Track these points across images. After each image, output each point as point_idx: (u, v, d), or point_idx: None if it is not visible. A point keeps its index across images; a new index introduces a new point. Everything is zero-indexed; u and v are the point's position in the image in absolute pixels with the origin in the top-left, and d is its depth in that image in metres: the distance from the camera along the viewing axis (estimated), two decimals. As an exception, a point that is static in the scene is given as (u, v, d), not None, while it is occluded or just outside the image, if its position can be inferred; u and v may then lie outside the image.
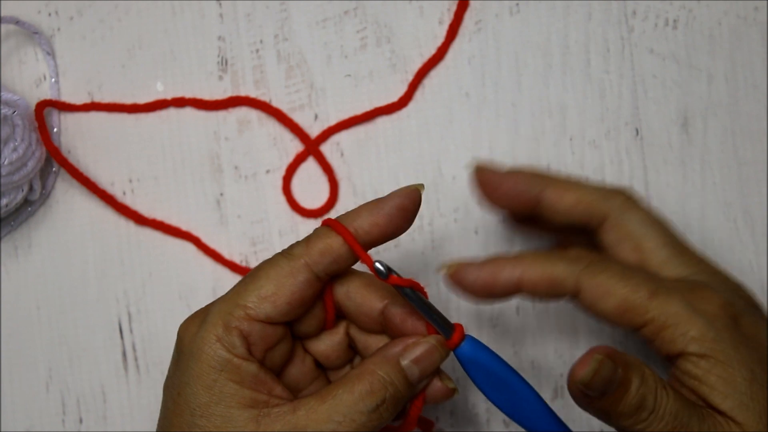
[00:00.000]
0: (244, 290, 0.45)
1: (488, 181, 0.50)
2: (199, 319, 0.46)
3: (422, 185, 0.47)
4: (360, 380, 0.44)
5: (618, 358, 0.43)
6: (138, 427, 0.57)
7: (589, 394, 0.43)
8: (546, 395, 0.56)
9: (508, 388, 0.47)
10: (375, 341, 0.48)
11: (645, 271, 0.47)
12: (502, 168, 0.50)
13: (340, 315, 0.48)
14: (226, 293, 0.46)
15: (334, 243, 0.45)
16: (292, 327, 0.47)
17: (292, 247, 0.46)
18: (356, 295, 0.47)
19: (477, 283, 0.47)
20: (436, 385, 0.47)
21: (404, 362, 0.45)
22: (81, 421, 0.57)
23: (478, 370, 0.46)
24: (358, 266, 0.47)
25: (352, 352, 0.50)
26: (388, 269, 0.45)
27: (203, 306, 0.47)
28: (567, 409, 0.55)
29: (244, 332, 0.44)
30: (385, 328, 0.47)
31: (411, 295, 0.45)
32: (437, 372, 0.46)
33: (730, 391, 0.43)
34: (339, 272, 0.46)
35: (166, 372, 0.56)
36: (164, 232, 0.57)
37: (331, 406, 0.43)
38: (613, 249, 0.49)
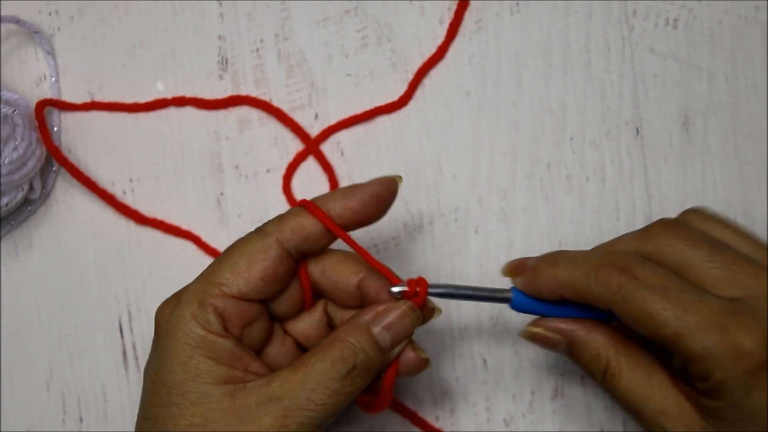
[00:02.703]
0: (218, 268, 0.46)
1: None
2: (174, 300, 0.47)
3: (400, 177, 0.48)
4: (331, 348, 0.45)
5: (567, 331, 0.46)
6: (138, 426, 0.57)
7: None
8: (546, 394, 0.56)
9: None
10: (347, 319, 0.48)
11: (678, 294, 0.44)
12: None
13: (318, 294, 0.49)
14: (201, 273, 0.47)
15: (306, 222, 0.46)
16: (271, 308, 0.48)
17: (265, 224, 0.47)
18: (332, 272, 0.48)
19: (528, 292, 0.47)
20: (409, 355, 0.47)
21: (375, 329, 0.46)
22: (81, 420, 0.57)
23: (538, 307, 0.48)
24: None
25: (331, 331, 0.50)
26: (401, 292, 0.47)
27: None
28: (567, 408, 0.55)
29: (219, 309, 0.45)
30: (362, 301, 0.48)
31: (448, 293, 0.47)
32: (410, 339, 0.47)
33: (755, 417, 0.42)
34: (312, 251, 0.47)
35: (166, 371, 0.57)
36: (165, 231, 0.57)
37: (304, 374, 0.44)
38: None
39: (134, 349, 0.57)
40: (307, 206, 0.47)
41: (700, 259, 0.45)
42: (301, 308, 0.49)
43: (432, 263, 0.56)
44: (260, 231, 0.47)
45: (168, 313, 0.46)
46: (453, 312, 0.56)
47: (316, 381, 0.44)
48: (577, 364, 0.48)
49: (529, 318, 0.48)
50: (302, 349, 0.50)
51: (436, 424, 0.56)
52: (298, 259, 0.47)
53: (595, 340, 0.46)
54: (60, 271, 0.58)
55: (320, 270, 0.48)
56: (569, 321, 0.47)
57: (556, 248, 0.56)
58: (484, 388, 0.56)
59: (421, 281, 0.47)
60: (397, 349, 0.46)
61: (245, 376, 0.45)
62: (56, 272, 0.58)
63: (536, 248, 0.56)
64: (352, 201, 0.47)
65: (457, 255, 0.56)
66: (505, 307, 0.56)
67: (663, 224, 0.47)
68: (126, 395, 0.57)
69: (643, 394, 0.45)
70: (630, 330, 0.46)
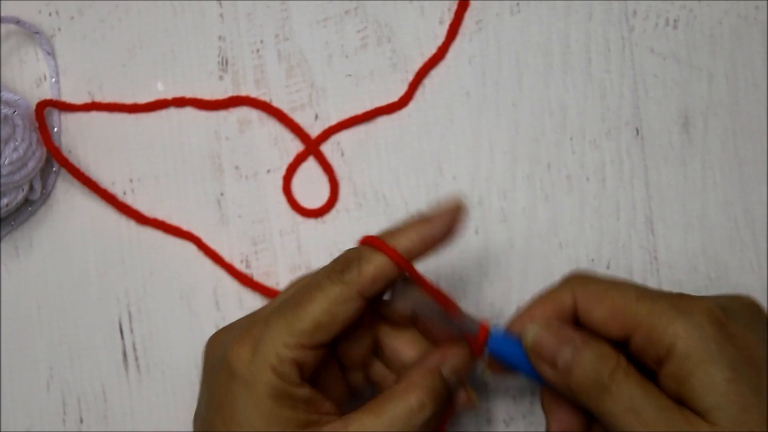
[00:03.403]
0: (296, 320, 0.45)
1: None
2: (250, 344, 0.45)
3: (464, 202, 0.47)
4: (410, 393, 0.45)
5: (568, 332, 0.45)
6: (139, 426, 0.57)
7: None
8: (546, 395, 0.56)
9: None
10: (403, 345, 0.49)
11: (635, 283, 0.47)
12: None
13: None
14: (275, 314, 0.46)
15: (387, 267, 0.45)
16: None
17: (342, 272, 0.45)
18: (393, 346, 0.49)
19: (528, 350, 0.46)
20: (462, 395, 0.48)
21: (445, 371, 0.46)
22: (81, 420, 0.57)
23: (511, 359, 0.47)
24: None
25: (372, 356, 0.50)
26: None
27: (238, 320, 0.48)
28: (567, 408, 0.56)
29: (299, 362, 0.45)
30: (412, 321, 0.48)
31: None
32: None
33: (708, 391, 0.42)
34: (386, 291, 0.47)
35: (167, 371, 0.57)
36: (165, 231, 0.57)
37: (386, 421, 0.44)
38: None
39: (134, 349, 0.57)
40: (385, 251, 0.45)
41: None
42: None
43: (432, 264, 0.56)
44: (339, 281, 0.45)
45: (245, 360, 0.45)
46: (453, 312, 0.56)
47: (398, 427, 0.44)
48: (573, 375, 0.45)
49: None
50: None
51: (437, 425, 0.56)
52: (374, 299, 0.47)
53: (603, 342, 0.45)
54: (60, 271, 0.58)
55: (387, 337, 0.49)
56: (569, 327, 0.46)
57: (557, 249, 0.56)
58: (484, 388, 0.56)
59: (482, 326, 0.47)
60: (456, 390, 0.47)
61: (321, 418, 0.45)
62: (56, 272, 0.58)
63: (536, 248, 0.56)
64: (427, 238, 0.46)
65: (457, 255, 0.56)
66: (504, 308, 0.56)
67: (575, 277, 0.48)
68: (126, 395, 0.57)
69: (652, 394, 0.44)
70: None
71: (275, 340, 0.45)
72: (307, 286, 0.46)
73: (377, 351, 0.50)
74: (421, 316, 0.48)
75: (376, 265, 0.45)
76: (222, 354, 0.46)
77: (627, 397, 0.43)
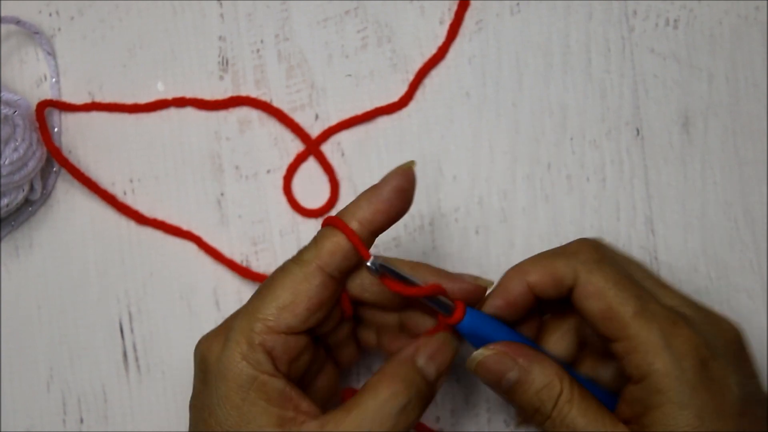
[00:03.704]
0: (262, 303, 0.45)
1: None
2: (221, 338, 0.45)
3: (413, 162, 0.47)
4: (381, 385, 0.44)
5: (523, 355, 0.45)
6: (139, 426, 0.57)
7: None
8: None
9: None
10: (393, 356, 0.48)
11: (642, 284, 0.46)
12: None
13: (357, 304, 0.49)
14: (244, 307, 0.46)
15: (341, 240, 0.45)
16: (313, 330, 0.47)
17: (301, 252, 0.46)
18: (373, 286, 0.47)
19: (499, 308, 0.47)
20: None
21: (420, 362, 0.45)
22: (82, 420, 0.57)
23: (479, 339, 0.47)
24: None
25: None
26: (382, 270, 0.45)
27: (221, 323, 0.47)
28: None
29: (268, 347, 0.44)
30: (400, 304, 0.48)
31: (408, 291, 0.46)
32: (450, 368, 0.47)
33: (667, 430, 0.42)
34: (352, 267, 0.46)
35: (167, 371, 0.57)
36: (165, 231, 0.57)
37: (357, 414, 0.43)
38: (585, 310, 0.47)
39: (134, 349, 0.57)
40: (336, 224, 0.46)
41: (636, 272, 0.47)
42: (339, 322, 0.49)
43: (432, 263, 0.56)
44: (298, 260, 0.46)
45: (217, 352, 0.45)
46: (453, 312, 0.56)
47: (371, 420, 0.43)
48: (517, 398, 0.46)
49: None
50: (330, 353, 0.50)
51: (437, 425, 0.56)
52: (342, 279, 0.46)
53: (551, 366, 0.45)
54: (60, 271, 0.58)
55: (359, 285, 0.47)
56: (525, 347, 0.46)
57: (557, 249, 0.56)
58: (485, 389, 0.56)
59: (458, 305, 0.46)
60: (442, 379, 0.46)
61: (296, 416, 0.44)
62: (57, 273, 0.58)
63: (536, 248, 0.56)
64: (378, 203, 0.46)
65: (457, 255, 0.56)
66: (505, 308, 0.56)
67: (586, 244, 0.48)
68: (126, 395, 0.57)
69: (596, 422, 0.44)
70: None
71: (243, 328, 0.45)
72: (274, 272, 0.46)
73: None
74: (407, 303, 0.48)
75: (333, 240, 0.45)
76: (199, 357, 0.46)
77: (569, 426, 0.44)
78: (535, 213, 0.57)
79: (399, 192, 0.46)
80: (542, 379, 0.45)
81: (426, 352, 0.46)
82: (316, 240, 0.46)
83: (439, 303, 0.46)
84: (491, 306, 0.47)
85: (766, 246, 0.56)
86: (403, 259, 0.48)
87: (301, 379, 0.47)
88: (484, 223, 0.57)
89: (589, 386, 0.47)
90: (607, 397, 0.47)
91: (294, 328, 0.45)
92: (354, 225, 0.45)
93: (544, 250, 0.48)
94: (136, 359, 0.57)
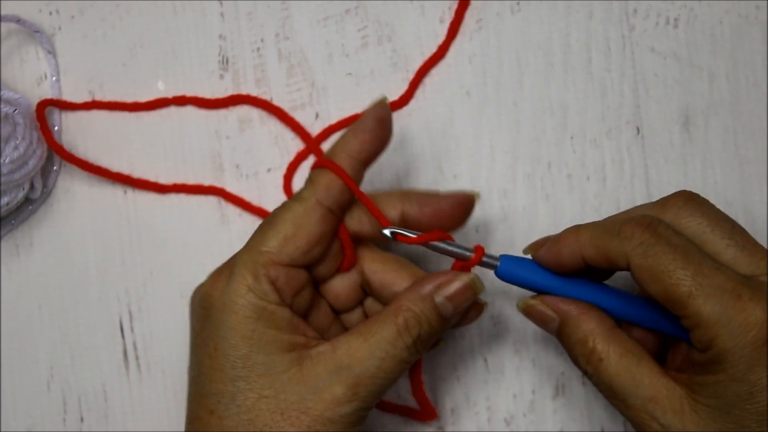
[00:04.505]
0: (264, 237, 0.47)
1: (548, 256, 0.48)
2: (225, 274, 0.47)
3: (386, 97, 0.49)
4: (396, 316, 0.46)
5: (558, 310, 0.47)
6: (139, 426, 0.57)
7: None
8: (547, 393, 0.56)
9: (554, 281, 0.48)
10: (391, 277, 0.49)
11: (697, 257, 0.44)
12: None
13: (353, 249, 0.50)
14: (246, 244, 0.47)
15: (335, 176, 0.47)
16: (313, 273, 0.48)
17: (299, 192, 0.48)
18: (369, 218, 0.49)
19: (549, 259, 0.47)
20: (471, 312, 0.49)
21: (438, 299, 0.46)
22: (82, 420, 0.57)
23: (523, 280, 0.48)
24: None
25: (363, 294, 0.51)
26: (394, 233, 0.47)
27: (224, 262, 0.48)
28: (568, 408, 0.56)
29: (272, 278, 0.46)
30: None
31: (433, 246, 0.48)
32: (470, 307, 0.48)
33: (714, 396, 0.43)
34: (349, 201, 0.48)
35: (167, 370, 0.57)
36: (188, 193, 0.58)
37: (372, 343, 0.45)
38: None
39: (135, 348, 0.57)
40: (327, 166, 0.48)
41: (718, 236, 0.46)
42: (338, 269, 0.50)
43: (433, 263, 0.56)
44: (298, 197, 0.48)
45: (222, 287, 0.46)
46: (454, 311, 0.56)
47: (385, 350, 0.45)
48: (564, 346, 0.48)
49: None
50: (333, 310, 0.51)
51: (437, 424, 0.56)
52: (340, 213, 0.48)
53: (586, 323, 0.46)
54: (61, 270, 0.58)
55: (357, 218, 0.49)
56: (567, 301, 0.47)
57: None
58: (485, 387, 0.56)
59: (477, 249, 0.48)
60: (457, 317, 0.48)
61: (307, 341, 0.46)
62: (57, 271, 0.58)
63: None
64: (362, 134, 0.48)
65: (457, 254, 0.56)
66: (505, 307, 0.56)
67: (683, 196, 0.48)
68: (127, 395, 0.57)
69: (632, 380, 0.45)
70: (622, 322, 0.47)
71: (247, 261, 0.46)
72: (274, 210, 0.48)
73: (368, 290, 0.50)
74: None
75: (327, 176, 0.47)
76: (200, 296, 0.47)
77: (604, 382, 0.45)
78: (535, 212, 0.57)
79: (379, 121, 0.48)
80: (575, 335, 0.46)
81: (446, 292, 0.47)
82: (311, 179, 0.48)
83: (455, 249, 0.48)
84: (544, 255, 0.48)
85: (766, 245, 0.56)
86: (392, 192, 0.50)
87: (303, 317, 0.48)
88: (484, 222, 0.57)
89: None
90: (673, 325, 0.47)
91: (296, 260, 0.46)
92: (344, 158, 0.48)
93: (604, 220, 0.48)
94: (137, 358, 0.57)
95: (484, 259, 0.48)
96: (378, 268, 0.50)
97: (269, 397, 0.44)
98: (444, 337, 0.50)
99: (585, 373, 0.47)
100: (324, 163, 0.48)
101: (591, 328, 0.46)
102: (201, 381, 0.46)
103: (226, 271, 0.47)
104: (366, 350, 0.45)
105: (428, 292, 0.46)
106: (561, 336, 0.48)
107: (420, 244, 0.48)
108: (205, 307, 0.47)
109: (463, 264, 0.48)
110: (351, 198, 0.48)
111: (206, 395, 0.46)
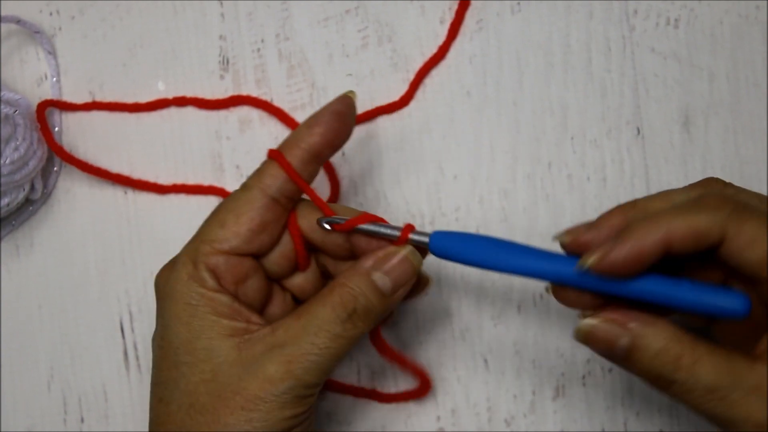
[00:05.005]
0: (207, 227, 0.47)
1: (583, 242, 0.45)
2: (170, 264, 0.48)
3: (353, 91, 0.49)
4: (331, 293, 0.46)
5: (634, 319, 0.42)
6: (139, 426, 0.57)
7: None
8: (547, 394, 0.56)
9: (492, 252, 0.47)
10: (348, 267, 0.48)
11: None
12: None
13: (309, 248, 0.49)
14: (194, 235, 0.48)
15: (282, 166, 0.47)
16: (266, 267, 0.48)
17: (246, 180, 0.48)
18: (318, 229, 0.48)
19: (624, 261, 0.43)
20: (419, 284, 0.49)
21: (375, 274, 0.46)
22: (82, 420, 0.57)
23: (458, 255, 0.47)
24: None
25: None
26: (330, 221, 0.47)
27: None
28: (568, 408, 0.56)
29: (211, 266, 0.46)
30: (351, 251, 0.48)
31: (363, 230, 0.47)
32: (413, 281, 0.48)
33: None
34: (296, 192, 0.48)
35: (167, 371, 0.57)
36: (188, 193, 0.58)
37: (306, 320, 0.45)
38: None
39: (135, 348, 0.57)
40: (274, 157, 0.47)
41: None
42: (296, 268, 0.49)
43: (433, 263, 0.56)
44: (243, 186, 0.48)
45: (165, 277, 0.47)
46: (454, 312, 0.56)
47: (317, 326, 0.45)
48: (635, 364, 0.43)
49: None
50: (298, 302, 0.50)
51: (437, 424, 0.56)
52: (286, 204, 0.48)
53: (662, 328, 0.43)
54: (61, 271, 0.58)
55: (308, 224, 0.48)
56: (631, 310, 0.43)
57: (557, 248, 0.56)
58: (486, 388, 0.56)
59: (406, 227, 0.47)
60: (399, 293, 0.47)
61: (249, 326, 0.46)
62: (57, 272, 0.58)
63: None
64: (316, 127, 0.47)
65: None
66: (506, 307, 0.56)
67: (719, 179, 0.46)
68: (127, 395, 0.57)
69: (731, 373, 0.42)
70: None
71: (189, 251, 0.47)
72: (219, 203, 0.48)
73: (326, 276, 0.50)
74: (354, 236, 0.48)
75: (274, 166, 0.47)
76: (154, 288, 0.48)
77: (701, 385, 0.42)
78: (535, 212, 0.57)
79: (336, 115, 0.48)
80: (657, 343, 0.42)
81: (382, 266, 0.46)
82: (259, 168, 0.48)
83: (384, 230, 0.47)
84: (619, 256, 0.43)
85: (766, 245, 0.56)
86: (347, 207, 0.49)
87: (261, 310, 0.48)
88: (484, 223, 0.57)
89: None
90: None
91: (237, 248, 0.46)
92: (294, 150, 0.47)
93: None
94: (137, 358, 0.57)
95: (413, 236, 0.47)
96: (336, 263, 0.50)
97: (208, 380, 0.45)
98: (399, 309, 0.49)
99: (670, 386, 0.42)
100: (272, 154, 0.47)
101: (669, 333, 0.42)
102: (154, 371, 0.47)
103: (172, 262, 0.48)
104: (300, 328, 0.45)
105: (365, 267, 0.46)
106: (633, 353, 0.43)
107: (350, 230, 0.47)
108: (156, 298, 0.48)
109: (396, 243, 0.47)
110: (299, 190, 0.48)
111: (157, 384, 0.47)
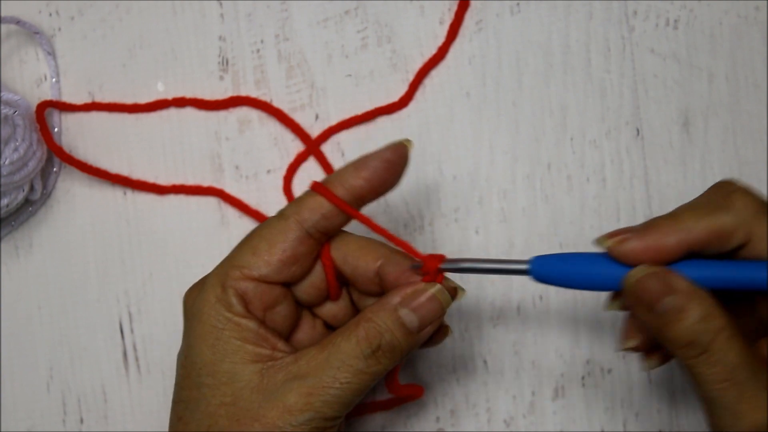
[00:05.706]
0: (239, 252, 0.47)
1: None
2: (200, 285, 0.47)
3: (409, 141, 0.47)
4: (356, 327, 0.45)
5: (675, 282, 0.43)
6: (139, 426, 0.57)
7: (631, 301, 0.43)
8: (546, 395, 0.56)
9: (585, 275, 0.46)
10: (374, 302, 0.48)
11: None
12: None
13: (341, 281, 0.49)
14: (225, 257, 0.47)
15: (323, 201, 0.46)
16: (296, 295, 0.48)
17: (284, 208, 0.47)
18: (352, 258, 0.48)
19: (643, 255, 0.44)
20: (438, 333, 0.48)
21: (402, 311, 0.45)
22: (82, 421, 0.57)
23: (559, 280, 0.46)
24: (354, 228, 0.47)
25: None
26: (420, 269, 0.46)
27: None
28: (567, 409, 0.56)
29: (240, 291, 0.46)
30: (382, 287, 0.48)
31: (479, 269, 0.47)
32: (440, 320, 0.47)
33: None
34: (333, 229, 0.47)
35: (167, 372, 0.57)
36: (187, 194, 0.58)
37: (329, 353, 0.45)
38: None
39: (135, 349, 0.57)
40: (319, 190, 0.46)
41: None
42: (327, 297, 0.49)
43: (432, 263, 0.56)
44: (280, 214, 0.47)
45: (193, 296, 0.47)
46: (454, 312, 0.56)
47: (341, 360, 0.44)
48: (669, 327, 0.43)
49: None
50: (330, 328, 0.50)
51: (437, 425, 0.56)
52: (320, 239, 0.47)
53: (709, 299, 0.43)
54: (60, 271, 0.58)
55: (341, 256, 0.48)
56: (680, 274, 0.43)
57: (557, 249, 0.56)
58: (485, 388, 0.56)
59: (436, 257, 0.46)
60: (427, 330, 0.46)
61: (274, 353, 0.46)
62: (57, 273, 0.58)
63: (536, 249, 0.56)
64: (363, 171, 0.46)
65: (457, 255, 0.56)
66: (505, 308, 0.56)
67: (732, 182, 0.46)
68: (126, 396, 0.57)
69: (752, 364, 0.42)
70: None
71: (219, 274, 0.46)
72: (257, 226, 0.48)
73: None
74: (385, 272, 0.47)
75: (314, 199, 0.46)
76: (183, 304, 0.48)
77: (726, 364, 0.42)
78: (534, 213, 0.57)
79: (386, 163, 0.47)
80: (701, 310, 0.42)
81: (410, 303, 0.46)
82: (299, 198, 0.47)
83: (491, 265, 0.47)
84: (636, 248, 0.44)
85: (766, 246, 0.56)
86: (358, 236, 0.49)
87: (287, 337, 0.48)
88: (484, 223, 0.57)
89: None
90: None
91: (267, 276, 0.46)
92: (338, 190, 0.46)
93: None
94: (136, 359, 0.57)
95: (444, 266, 0.46)
96: (366, 298, 0.49)
97: (229, 404, 0.44)
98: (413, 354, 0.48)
99: (699, 354, 0.42)
100: (316, 187, 0.47)
101: (713, 302, 0.43)
102: (176, 389, 0.47)
103: (201, 282, 0.47)
104: (322, 360, 0.44)
105: (392, 303, 0.46)
106: (676, 314, 0.43)
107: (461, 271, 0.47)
108: (184, 317, 0.47)
109: (430, 276, 0.47)
110: (338, 225, 0.47)
111: (177, 401, 0.47)
